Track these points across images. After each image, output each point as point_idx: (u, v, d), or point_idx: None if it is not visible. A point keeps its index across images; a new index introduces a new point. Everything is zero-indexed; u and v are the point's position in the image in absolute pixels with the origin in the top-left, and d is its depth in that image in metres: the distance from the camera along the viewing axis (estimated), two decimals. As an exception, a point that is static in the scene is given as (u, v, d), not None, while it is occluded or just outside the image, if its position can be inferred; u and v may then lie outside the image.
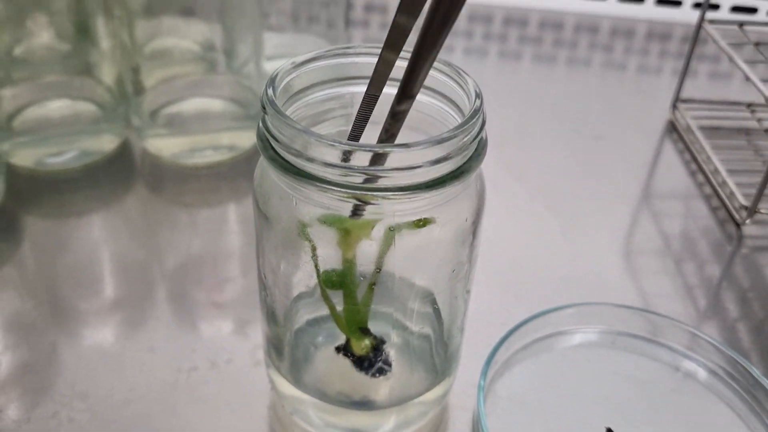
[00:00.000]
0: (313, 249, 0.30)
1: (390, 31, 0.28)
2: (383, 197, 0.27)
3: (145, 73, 0.54)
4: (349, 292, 0.32)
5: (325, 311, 0.35)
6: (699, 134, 0.59)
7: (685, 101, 0.63)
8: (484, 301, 0.44)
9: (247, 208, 0.51)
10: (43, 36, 0.53)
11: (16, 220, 0.49)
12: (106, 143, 0.54)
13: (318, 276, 0.31)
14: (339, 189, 0.27)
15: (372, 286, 0.32)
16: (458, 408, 0.38)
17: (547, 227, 0.51)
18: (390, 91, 0.29)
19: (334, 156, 0.27)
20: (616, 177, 0.57)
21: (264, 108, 0.28)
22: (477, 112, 0.28)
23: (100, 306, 0.43)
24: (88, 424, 0.36)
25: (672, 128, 0.63)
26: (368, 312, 0.33)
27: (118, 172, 0.54)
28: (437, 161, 0.27)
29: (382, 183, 0.27)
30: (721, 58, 0.77)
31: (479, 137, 0.28)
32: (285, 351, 0.35)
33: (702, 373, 0.41)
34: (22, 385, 0.38)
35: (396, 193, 0.27)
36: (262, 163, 0.31)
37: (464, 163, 0.28)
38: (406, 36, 0.28)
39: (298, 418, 0.36)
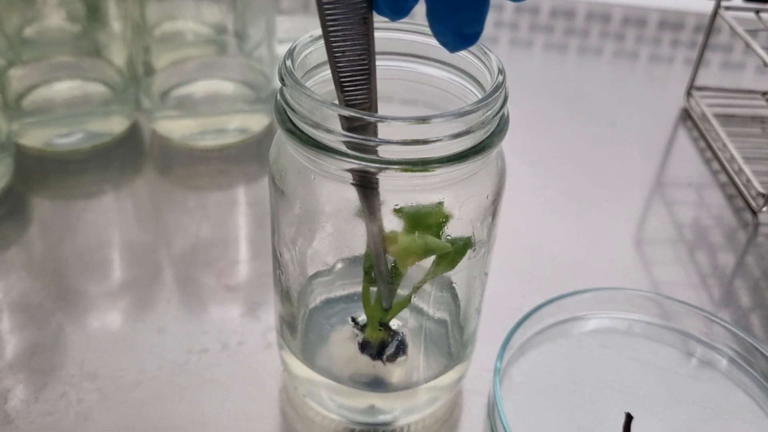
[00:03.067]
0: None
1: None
2: (404, 170, 0.26)
3: (155, 55, 0.53)
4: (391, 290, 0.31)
5: (341, 291, 0.35)
6: (714, 122, 0.58)
7: (699, 89, 0.62)
8: (498, 287, 0.44)
9: (257, 191, 0.51)
10: (53, 17, 0.52)
11: (24, 200, 0.49)
12: (116, 125, 0.53)
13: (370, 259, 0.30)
14: (358, 162, 0.26)
15: (413, 293, 0.31)
16: (473, 392, 0.38)
17: (561, 213, 0.51)
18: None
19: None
20: (630, 163, 0.57)
21: (282, 79, 0.28)
22: (500, 86, 0.28)
23: (108, 288, 0.43)
24: (98, 405, 0.36)
25: (686, 116, 0.62)
26: (397, 313, 0.32)
27: (128, 154, 0.53)
28: (458, 135, 0.26)
29: (402, 156, 0.26)
30: (734, 47, 0.76)
31: (501, 112, 0.28)
32: (299, 331, 0.35)
33: (719, 359, 0.40)
34: (30, 366, 0.38)
35: (417, 166, 0.26)
36: (279, 137, 0.31)
37: (486, 139, 0.28)
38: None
39: (311, 400, 0.36)
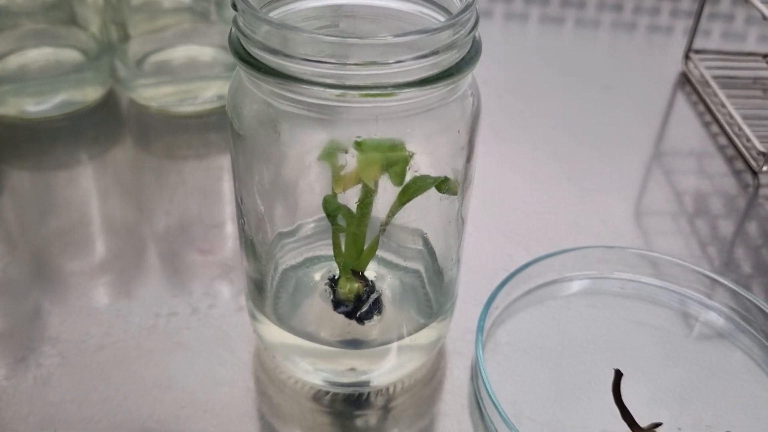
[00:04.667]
0: (336, 175, 0.28)
1: None
2: (365, 95, 0.24)
3: (132, 24, 0.51)
4: (359, 232, 0.29)
5: (312, 249, 0.33)
6: (713, 84, 0.56)
7: (698, 52, 0.60)
8: (484, 247, 0.42)
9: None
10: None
11: (-6, 169, 0.47)
12: (91, 92, 0.52)
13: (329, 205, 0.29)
14: (321, 88, 0.24)
15: (381, 234, 0.29)
16: (457, 354, 0.36)
17: (551, 175, 0.49)
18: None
19: (312, 52, 0.24)
20: (625, 127, 0.54)
21: (234, 5, 0.26)
22: (469, 6, 0.26)
23: (76, 253, 0.41)
24: (58, 369, 0.34)
25: (685, 80, 0.60)
26: (370, 257, 0.31)
27: (104, 122, 0.51)
28: (422, 56, 0.24)
29: (364, 81, 0.24)
30: (735, 16, 0.74)
31: (472, 35, 0.26)
32: (268, 289, 0.33)
33: (716, 318, 0.38)
34: (-10, 331, 0.36)
35: (382, 90, 0.24)
36: (237, 75, 0.29)
37: (455, 65, 0.26)
38: None
39: (282, 361, 0.34)
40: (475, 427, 0.33)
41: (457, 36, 0.25)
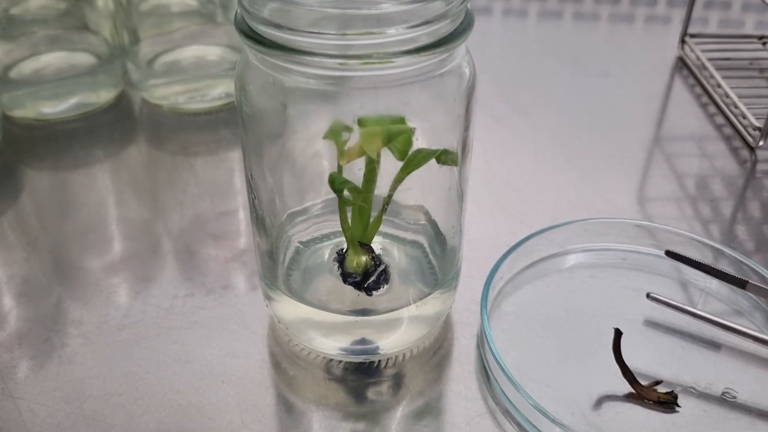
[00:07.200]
0: (340, 149, 0.29)
1: None
2: (364, 63, 0.26)
3: (142, 28, 0.53)
4: (365, 204, 0.31)
5: (322, 227, 0.35)
6: (710, 66, 0.57)
7: (694, 36, 0.61)
8: (488, 226, 0.43)
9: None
10: (39, -3, 0.52)
11: (14, 170, 0.49)
12: (104, 93, 0.54)
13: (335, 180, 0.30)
14: (322, 58, 0.26)
15: (385, 206, 0.31)
16: (463, 324, 0.37)
17: (552, 157, 0.50)
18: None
19: (313, 26, 0.26)
20: (624, 111, 0.56)
21: (239, -16, 0.27)
22: (460, -22, 0.27)
23: (96, 244, 0.42)
24: (81, 349, 0.35)
25: (682, 64, 0.61)
26: (376, 229, 0.32)
27: (118, 122, 0.53)
28: (418, 25, 0.26)
29: (365, 50, 0.26)
30: (732, 3, 0.75)
31: (464, 6, 0.27)
32: (280, 264, 0.34)
33: (719, 286, 0.39)
34: (13, 315, 0.37)
35: (378, 60, 0.26)
36: (243, 55, 0.30)
37: (448, 34, 0.27)
38: None
39: (295, 332, 0.35)
40: (482, 391, 0.34)
41: (449, 6, 0.26)
